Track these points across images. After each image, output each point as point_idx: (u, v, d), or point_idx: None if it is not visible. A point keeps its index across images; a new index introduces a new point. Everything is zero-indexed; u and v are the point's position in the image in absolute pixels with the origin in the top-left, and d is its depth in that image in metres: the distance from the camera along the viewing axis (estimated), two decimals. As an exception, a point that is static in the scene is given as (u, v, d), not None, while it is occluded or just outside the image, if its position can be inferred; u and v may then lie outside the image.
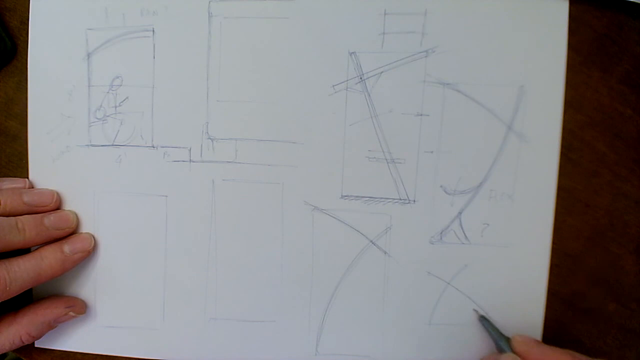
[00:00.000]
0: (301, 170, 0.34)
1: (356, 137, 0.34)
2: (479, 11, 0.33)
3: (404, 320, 0.35)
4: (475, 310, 0.34)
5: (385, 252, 0.35)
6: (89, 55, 0.34)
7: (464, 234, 0.34)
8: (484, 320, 0.34)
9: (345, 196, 0.34)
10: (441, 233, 0.34)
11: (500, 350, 0.32)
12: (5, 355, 0.34)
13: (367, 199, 0.34)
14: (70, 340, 0.36)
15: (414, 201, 0.34)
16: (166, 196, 0.35)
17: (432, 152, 0.34)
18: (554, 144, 0.34)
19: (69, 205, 0.35)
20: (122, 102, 0.35)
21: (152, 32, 0.34)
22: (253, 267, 0.35)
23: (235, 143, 0.34)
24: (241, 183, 0.35)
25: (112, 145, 0.35)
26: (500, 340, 0.32)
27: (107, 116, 0.35)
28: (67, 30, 0.34)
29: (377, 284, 0.35)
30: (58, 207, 0.35)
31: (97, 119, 0.35)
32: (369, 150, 0.34)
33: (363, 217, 0.34)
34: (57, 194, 0.35)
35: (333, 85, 0.34)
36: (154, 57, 0.34)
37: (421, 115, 0.34)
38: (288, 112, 0.34)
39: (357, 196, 0.34)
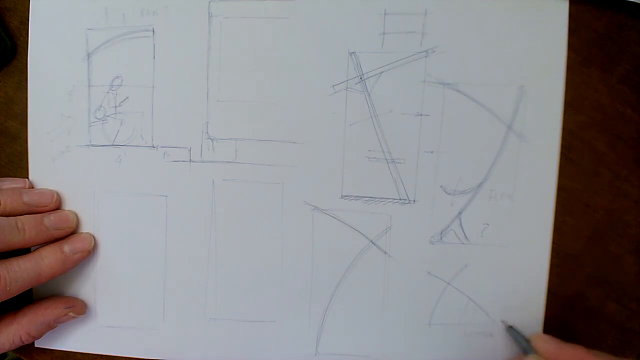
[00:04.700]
0: (301, 170, 0.34)
1: (356, 137, 0.34)
2: (479, 11, 0.33)
3: (404, 320, 0.35)
4: (503, 322, 0.35)
5: (385, 252, 0.35)
6: (89, 55, 0.34)
7: (464, 234, 0.34)
8: (511, 330, 0.34)
9: (345, 196, 0.34)
10: (441, 233, 0.34)
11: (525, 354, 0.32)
12: (5, 355, 0.34)
13: (367, 199, 0.34)
14: (70, 340, 0.36)
15: (414, 201, 0.34)
16: (166, 196, 0.35)
17: (432, 152, 0.34)
18: (554, 144, 0.34)
19: (69, 205, 0.35)
20: (122, 102, 0.35)
21: (152, 32, 0.34)
22: (253, 267, 0.35)
23: (235, 143, 0.34)
24: (241, 183, 0.35)
25: (112, 145, 0.35)
26: (526, 344, 0.32)
27: (107, 116, 0.35)
28: (67, 30, 0.34)
29: (377, 284, 0.35)
30: (58, 207, 0.35)
31: (97, 119, 0.35)
32: (369, 150, 0.34)
33: (363, 217, 0.34)
34: (57, 194, 0.35)
35: (333, 85, 0.34)
36: (154, 57, 0.34)
37: (421, 115, 0.34)
38: (288, 112, 0.34)
39: (357, 196, 0.34)
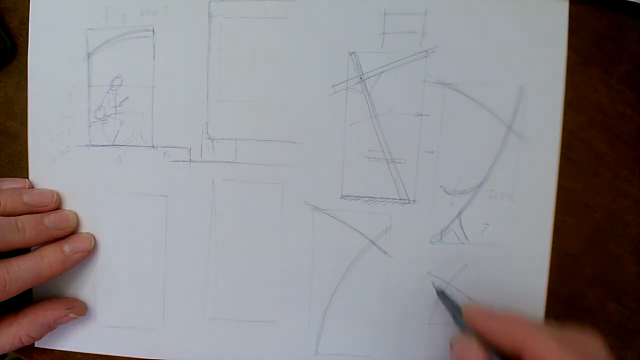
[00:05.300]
0: (301, 170, 0.34)
1: (356, 137, 0.34)
2: (479, 11, 0.33)
3: (404, 320, 0.35)
4: (433, 283, 0.34)
5: (385, 252, 0.35)
6: (89, 55, 0.34)
7: (464, 234, 0.34)
8: (441, 295, 0.33)
9: (345, 196, 0.34)
10: (441, 233, 0.34)
11: (460, 327, 0.30)
12: (5, 355, 0.34)
13: (367, 199, 0.34)
14: (70, 341, 0.36)
15: (414, 201, 0.34)
16: (166, 196, 0.35)
17: (432, 152, 0.34)
18: (554, 144, 0.34)
19: (69, 205, 0.35)
20: (122, 102, 0.35)
21: (152, 32, 0.34)
22: (253, 267, 0.35)
23: (235, 143, 0.34)
24: (241, 183, 0.35)
25: (112, 145, 0.35)
26: (458, 316, 0.31)
27: (107, 116, 0.35)
28: (67, 30, 0.34)
29: (377, 284, 0.35)
30: (58, 207, 0.35)
31: (97, 119, 0.35)
32: (369, 150, 0.34)
33: (363, 217, 0.34)
34: (57, 194, 0.35)
35: (333, 85, 0.34)
36: (154, 57, 0.34)
37: (421, 115, 0.34)
38: (288, 112, 0.34)
39: (357, 196, 0.34)
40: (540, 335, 0.26)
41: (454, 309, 0.32)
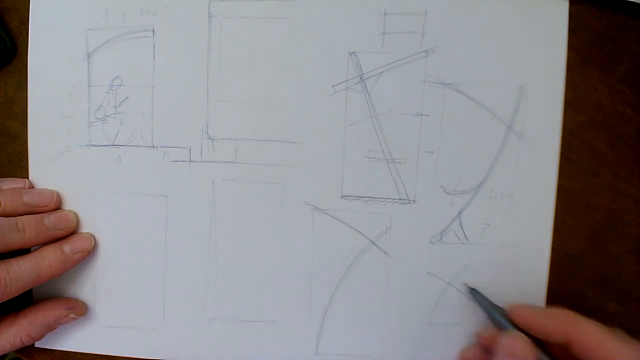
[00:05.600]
0: (301, 170, 0.34)
1: (356, 137, 0.34)
2: (479, 11, 0.33)
3: (404, 320, 0.35)
4: (466, 284, 0.34)
5: (385, 252, 0.35)
6: (89, 55, 0.34)
7: (464, 234, 0.34)
8: (475, 293, 0.33)
9: (345, 196, 0.34)
10: (441, 233, 0.34)
11: (496, 323, 0.31)
12: (5, 355, 0.34)
13: (367, 199, 0.34)
14: (70, 341, 0.36)
15: (414, 201, 0.34)
16: (166, 196, 0.35)
17: (432, 152, 0.34)
18: (554, 144, 0.34)
19: (69, 205, 0.35)
20: (122, 102, 0.35)
21: (152, 32, 0.34)
22: (253, 267, 0.35)
23: (235, 143, 0.34)
24: (241, 183, 0.35)
25: (112, 145, 0.35)
26: (495, 312, 0.31)
27: (107, 116, 0.35)
28: (67, 30, 0.34)
29: (377, 284, 0.35)
30: (58, 207, 0.35)
31: (97, 119, 0.35)
32: (369, 150, 0.34)
33: (363, 217, 0.34)
34: (57, 194, 0.35)
35: (333, 85, 0.34)
36: (154, 57, 0.34)
37: (421, 115, 0.34)
38: (288, 112, 0.34)
39: (357, 196, 0.34)
40: (591, 326, 0.28)
41: (491, 308, 0.32)
